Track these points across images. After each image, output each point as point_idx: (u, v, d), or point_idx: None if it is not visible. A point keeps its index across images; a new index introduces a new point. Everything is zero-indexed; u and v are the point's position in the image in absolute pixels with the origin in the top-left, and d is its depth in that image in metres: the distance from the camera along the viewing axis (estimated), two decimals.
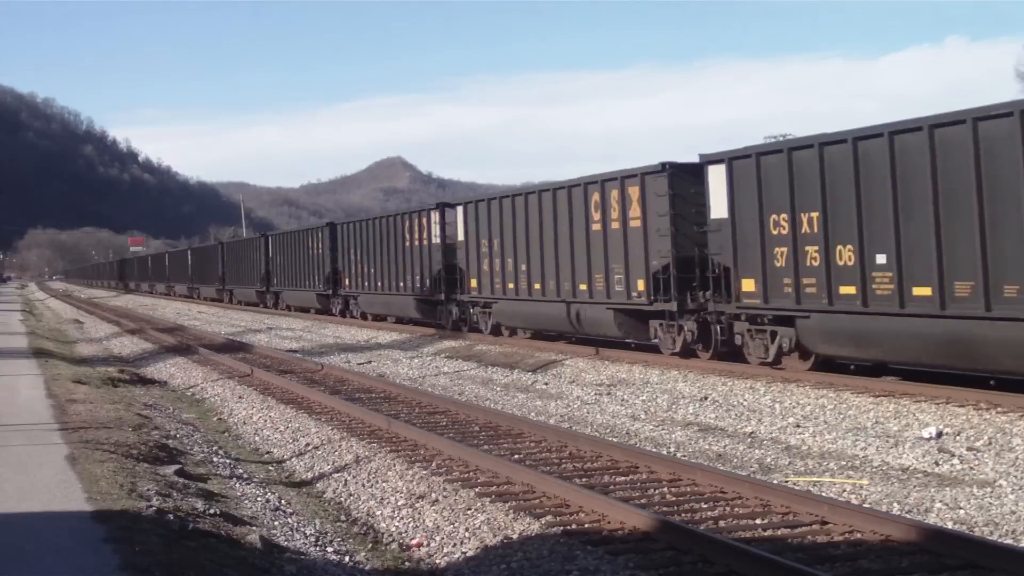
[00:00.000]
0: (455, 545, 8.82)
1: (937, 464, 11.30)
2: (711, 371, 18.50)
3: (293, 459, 13.29)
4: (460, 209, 29.17)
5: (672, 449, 12.81)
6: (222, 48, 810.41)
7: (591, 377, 19.59)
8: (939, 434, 12.54)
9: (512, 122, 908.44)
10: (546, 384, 19.27)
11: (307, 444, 13.91)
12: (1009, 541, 8.41)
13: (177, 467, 11.22)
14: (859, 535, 8.23)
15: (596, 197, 21.71)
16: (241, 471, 12.35)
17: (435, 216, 30.80)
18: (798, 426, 13.76)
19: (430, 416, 15.45)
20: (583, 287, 22.26)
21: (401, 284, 33.03)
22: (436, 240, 30.43)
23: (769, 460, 11.95)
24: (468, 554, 8.55)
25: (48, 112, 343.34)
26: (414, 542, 9.15)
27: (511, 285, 25.52)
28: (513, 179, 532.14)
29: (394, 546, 9.20)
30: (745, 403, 15.65)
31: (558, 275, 23.19)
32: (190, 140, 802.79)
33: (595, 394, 17.53)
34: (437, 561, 8.59)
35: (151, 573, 6.67)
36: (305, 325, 39.38)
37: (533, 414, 15.87)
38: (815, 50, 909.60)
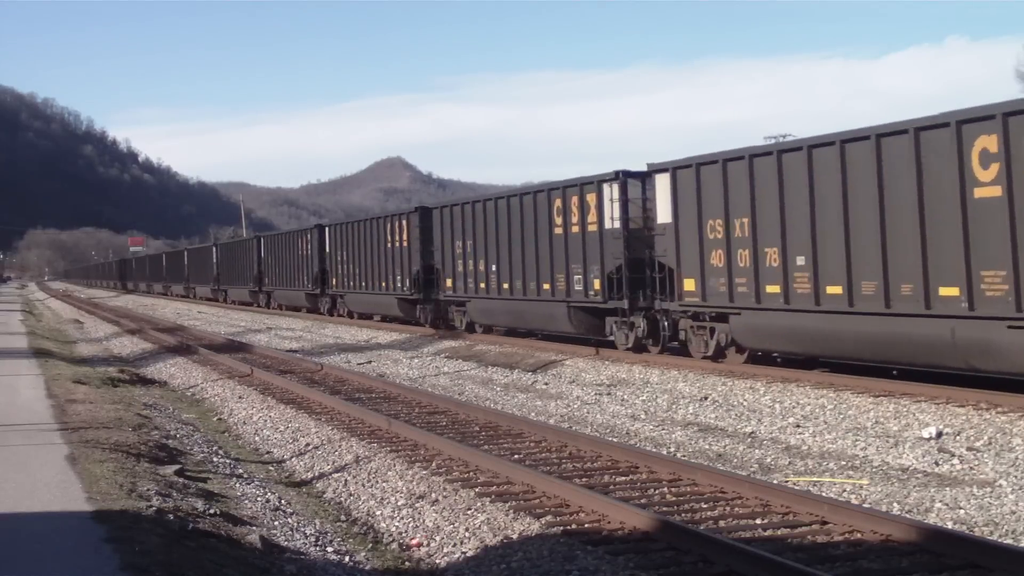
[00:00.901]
0: (455, 545, 8.82)
1: (937, 464, 11.30)
2: (711, 371, 18.49)
3: (293, 459, 13.29)
4: (663, 178, 20.19)
5: (672, 449, 12.80)
6: (222, 48, 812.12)
7: (591, 377, 19.58)
8: (939, 434, 12.53)
9: (512, 122, 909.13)
10: (546, 384, 19.26)
11: (307, 444, 13.90)
12: (1009, 541, 8.41)
13: (177, 467, 11.21)
14: (859, 535, 8.23)
15: (984, 143, 13.46)
16: (241, 471, 12.35)
17: (611, 190, 21.85)
18: (798, 426, 13.75)
19: (430, 416, 15.44)
20: (950, 292, 14.02)
21: (545, 287, 24.37)
22: (613, 224, 21.68)
23: (769, 460, 11.95)
24: (468, 554, 8.55)
25: (48, 112, 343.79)
26: (414, 542, 9.14)
27: (772, 288, 17.18)
28: (513, 179, 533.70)
29: (394, 546, 9.20)
30: (745, 403, 15.65)
31: (885, 273, 15.06)
32: (190, 140, 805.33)
33: (595, 394, 17.53)
34: (437, 561, 8.59)
35: (151, 573, 6.67)
36: (305, 325, 39.35)
37: (533, 414, 15.86)
38: (816, 50, 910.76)
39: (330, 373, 21.76)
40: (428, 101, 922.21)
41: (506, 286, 26.18)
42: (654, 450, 12.45)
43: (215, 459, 12.99)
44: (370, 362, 24.72)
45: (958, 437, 12.37)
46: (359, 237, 37.95)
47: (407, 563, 8.71)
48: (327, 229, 42.92)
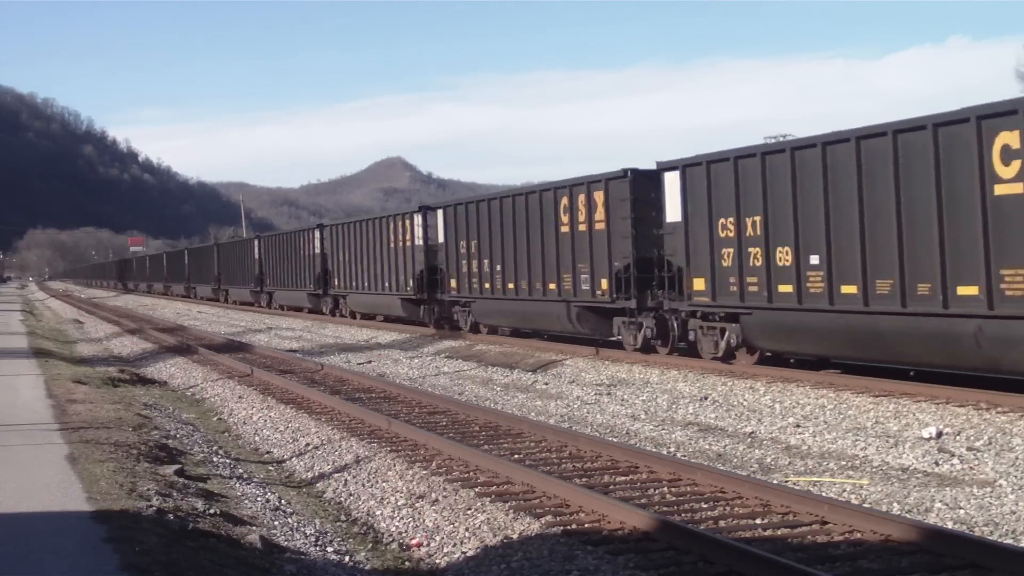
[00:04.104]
0: (455, 545, 8.82)
1: (937, 464, 11.30)
2: (711, 371, 18.48)
3: (293, 459, 13.29)
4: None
5: (672, 449, 12.81)
6: (222, 48, 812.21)
7: (591, 377, 19.58)
8: (939, 434, 12.53)
9: (513, 122, 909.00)
10: (546, 384, 19.26)
11: (307, 444, 13.91)
12: (1009, 541, 8.41)
13: (177, 467, 11.21)
14: (859, 535, 8.23)
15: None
16: (241, 471, 12.35)
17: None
18: (798, 426, 13.75)
19: (430, 416, 15.44)
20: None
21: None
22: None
23: (769, 460, 11.95)
24: (468, 554, 8.55)
25: (48, 112, 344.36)
26: (414, 542, 9.15)
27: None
28: (513, 179, 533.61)
29: (394, 546, 9.20)
30: (745, 403, 15.65)
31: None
32: (190, 140, 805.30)
33: (595, 394, 17.53)
34: (437, 561, 8.59)
35: (151, 573, 6.67)
36: (305, 325, 39.35)
37: (533, 414, 15.86)
38: (817, 50, 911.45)
39: (330, 373, 21.77)
40: (429, 101, 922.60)
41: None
42: (654, 450, 12.46)
43: (215, 459, 13.00)
44: (370, 362, 24.72)
45: (958, 437, 12.37)
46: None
47: (407, 563, 8.71)
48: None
